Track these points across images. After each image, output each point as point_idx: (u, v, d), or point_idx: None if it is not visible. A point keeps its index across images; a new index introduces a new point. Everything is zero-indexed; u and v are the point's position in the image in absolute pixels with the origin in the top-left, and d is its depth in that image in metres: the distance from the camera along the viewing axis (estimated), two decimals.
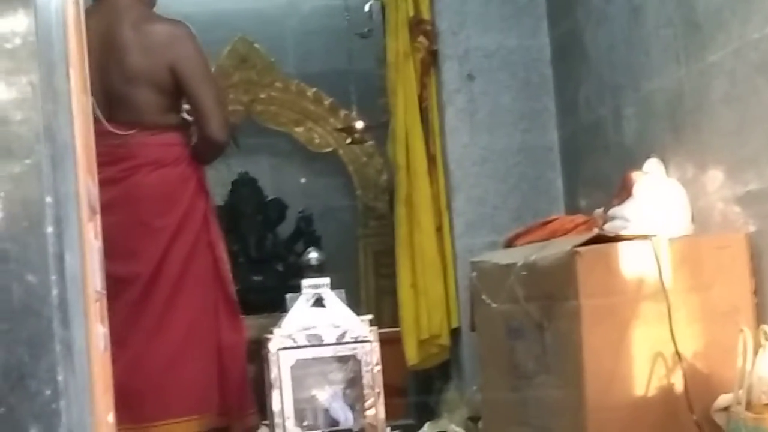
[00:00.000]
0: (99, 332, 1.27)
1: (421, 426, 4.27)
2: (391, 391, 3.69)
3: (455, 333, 4.39)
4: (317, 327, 3.16)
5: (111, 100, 3.60)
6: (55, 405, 1.01)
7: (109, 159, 3.61)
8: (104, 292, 1.42)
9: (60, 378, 1.01)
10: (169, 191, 3.64)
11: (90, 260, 1.18)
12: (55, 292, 1.02)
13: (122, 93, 3.60)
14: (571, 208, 4.21)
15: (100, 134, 3.61)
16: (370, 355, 3.20)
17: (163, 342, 3.55)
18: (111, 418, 1.37)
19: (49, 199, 1.03)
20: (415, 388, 4.96)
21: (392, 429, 4.28)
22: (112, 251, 3.56)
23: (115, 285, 3.55)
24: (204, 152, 3.70)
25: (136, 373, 3.51)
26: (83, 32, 1.33)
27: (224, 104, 3.75)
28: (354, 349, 3.20)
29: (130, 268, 3.57)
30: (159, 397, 3.52)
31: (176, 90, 3.63)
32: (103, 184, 3.59)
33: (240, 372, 3.65)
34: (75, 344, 1.05)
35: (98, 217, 1.45)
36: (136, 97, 3.61)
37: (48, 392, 1.01)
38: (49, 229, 1.03)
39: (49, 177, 1.04)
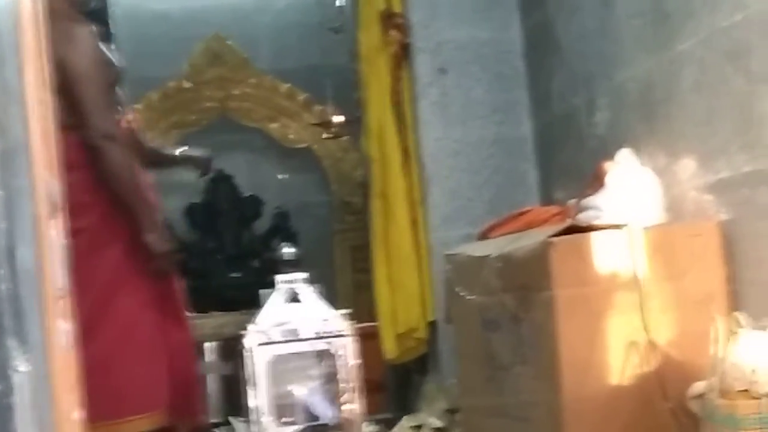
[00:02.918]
0: (61, 329, 1.26)
1: (399, 419, 4.27)
2: (369, 386, 3.69)
3: (432, 326, 4.39)
4: (293, 322, 3.16)
5: None
6: (6, 400, 0.99)
7: None
8: (68, 288, 1.41)
9: (12, 373, 1.00)
10: (86, 191, 3.56)
11: (50, 256, 1.17)
12: (4, 286, 1.01)
13: None
14: (546, 199, 4.21)
15: None
16: (347, 349, 3.19)
17: (96, 345, 3.48)
18: (76, 415, 1.36)
19: None
20: (393, 382, 4.96)
21: (371, 423, 4.29)
22: None
23: None
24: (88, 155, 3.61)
25: None
26: (42, 27, 1.32)
27: (106, 111, 3.62)
28: (330, 343, 3.20)
29: None
30: (93, 399, 3.46)
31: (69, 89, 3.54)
32: None
33: (187, 370, 3.62)
34: (30, 339, 1.04)
35: (63, 214, 1.44)
36: None
37: (0, 387, 1.00)
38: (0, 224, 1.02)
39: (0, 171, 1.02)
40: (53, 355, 1.14)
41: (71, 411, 1.31)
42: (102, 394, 3.45)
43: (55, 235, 1.30)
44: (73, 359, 1.37)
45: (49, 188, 1.25)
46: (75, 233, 3.50)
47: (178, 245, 3.74)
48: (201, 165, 4.22)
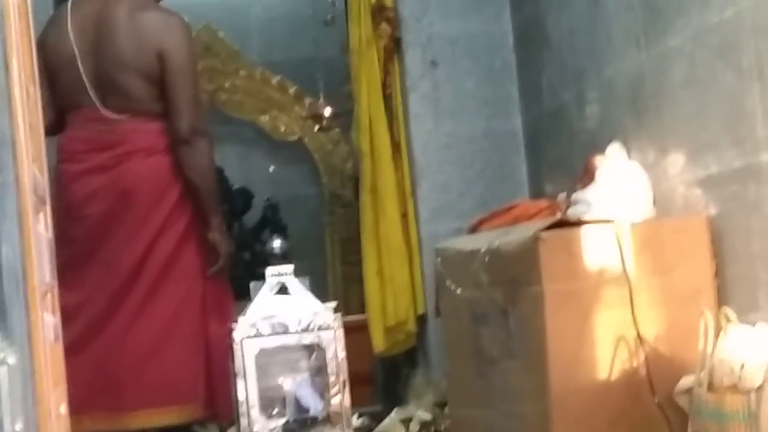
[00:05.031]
0: (47, 323, 1.26)
1: (388, 412, 4.27)
2: (358, 379, 3.68)
3: (422, 319, 4.39)
4: (281, 315, 3.15)
5: (102, 85, 3.58)
6: None
7: (98, 146, 3.59)
8: (54, 282, 1.40)
9: None
10: (161, 179, 3.60)
11: (36, 251, 1.17)
12: None
13: (113, 78, 3.57)
14: (536, 194, 4.21)
15: (89, 120, 3.61)
16: (335, 342, 3.18)
17: (142, 331, 3.53)
18: (63, 409, 1.35)
19: None
20: (382, 375, 4.96)
21: (360, 416, 4.29)
22: (98, 239, 3.56)
23: (98, 273, 3.54)
24: (173, 145, 3.65)
25: (114, 362, 3.50)
26: (29, 22, 1.31)
27: (198, 105, 3.70)
28: (318, 336, 3.19)
29: (115, 256, 3.55)
30: (137, 386, 3.51)
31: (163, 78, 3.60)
32: (92, 171, 3.59)
33: (223, 364, 3.64)
34: (15, 334, 1.03)
35: (48, 208, 1.43)
36: (126, 83, 3.58)
37: None
38: None
39: None
40: (39, 350, 1.14)
41: (59, 404, 1.31)
42: (144, 380, 3.50)
43: (41, 229, 1.30)
44: (60, 353, 1.37)
45: (35, 182, 1.24)
46: (149, 219, 3.59)
47: (235, 246, 3.82)
48: None
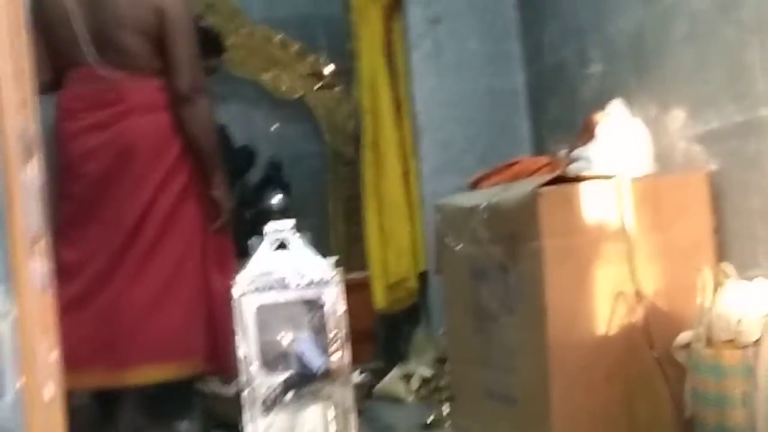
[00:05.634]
0: (35, 270, 1.25)
1: (390, 369, 4.29)
2: (360, 336, 3.69)
3: (423, 276, 4.39)
4: (281, 271, 3.14)
5: (99, 42, 3.57)
6: None
7: (97, 103, 3.59)
8: (46, 231, 1.40)
9: None
10: (160, 136, 3.61)
11: (23, 199, 1.16)
12: None
13: (110, 36, 3.57)
14: (538, 151, 4.20)
15: (86, 78, 3.61)
16: (335, 298, 3.18)
17: (142, 288, 3.55)
18: (54, 357, 1.36)
19: None
20: (384, 332, 4.97)
21: (361, 372, 4.31)
22: (98, 197, 3.57)
23: (99, 230, 3.56)
24: (174, 103, 3.65)
25: (114, 318, 3.52)
26: None
27: (198, 62, 3.69)
28: (319, 292, 3.19)
29: (115, 213, 3.56)
30: (136, 342, 3.53)
31: (162, 36, 3.60)
32: (91, 129, 3.59)
33: (227, 320, 3.65)
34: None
35: (39, 156, 1.42)
36: (124, 40, 3.57)
37: None
38: None
39: None
40: (24, 297, 1.13)
41: (49, 352, 1.31)
42: (144, 336, 3.52)
43: (30, 177, 1.29)
44: (49, 301, 1.36)
45: (22, 129, 1.23)
46: (148, 176, 3.60)
47: (237, 204, 3.85)
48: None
